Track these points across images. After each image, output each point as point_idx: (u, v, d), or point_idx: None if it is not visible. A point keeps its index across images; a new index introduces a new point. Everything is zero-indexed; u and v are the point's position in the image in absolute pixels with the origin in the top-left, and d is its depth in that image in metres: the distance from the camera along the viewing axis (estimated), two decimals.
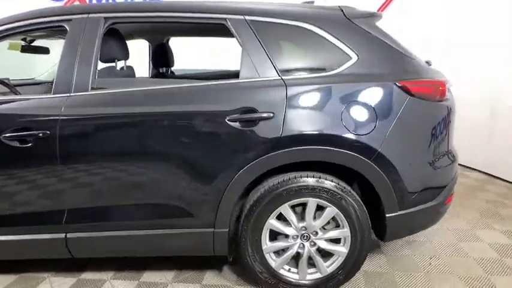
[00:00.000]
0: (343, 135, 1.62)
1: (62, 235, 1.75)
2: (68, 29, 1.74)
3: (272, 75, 1.69)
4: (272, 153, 1.63)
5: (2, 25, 1.73)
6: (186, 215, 1.72)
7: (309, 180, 1.68)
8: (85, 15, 1.74)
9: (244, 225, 1.74)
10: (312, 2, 2.20)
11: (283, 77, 1.68)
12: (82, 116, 1.65)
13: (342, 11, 1.82)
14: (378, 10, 4.28)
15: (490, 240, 2.39)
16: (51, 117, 1.62)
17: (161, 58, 2.69)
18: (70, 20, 1.74)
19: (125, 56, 2.06)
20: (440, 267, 2.10)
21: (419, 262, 2.15)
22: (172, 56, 2.79)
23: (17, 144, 1.63)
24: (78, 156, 1.66)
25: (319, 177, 1.70)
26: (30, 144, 1.62)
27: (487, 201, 3.02)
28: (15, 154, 1.64)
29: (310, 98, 1.66)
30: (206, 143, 1.65)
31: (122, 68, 2.20)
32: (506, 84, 3.42)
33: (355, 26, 1.78)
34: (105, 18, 1.74)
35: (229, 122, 1.62)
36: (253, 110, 1.63)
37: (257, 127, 1.62)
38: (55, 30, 2.08)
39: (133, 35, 2.85)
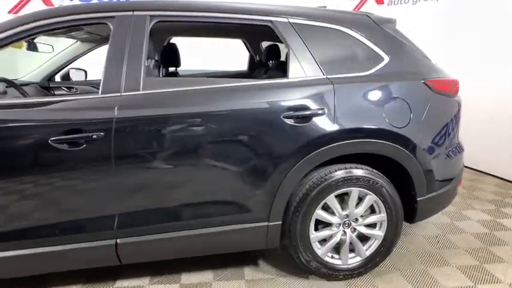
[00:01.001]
0: (387, 128, 1.79)
1: (113, 241, 1.67)
2: (111, 27, 1.67)
3: (318, 74, 1.80)
4: (325, 148, 1.74)
5: (39, 20, 1.60)
6: (243, 211, 1.75)
7: (357, 171, 1.82)
8: (129, 13, 1.69)
9: (293, 218, 1.82)
10: (325, 7, 2.36)
11: (328, 76, 1.81)
12: (139, 116, 1.59)
13: (369, 16, 2.01)
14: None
15: (476, 218, 2.76)
16: (105, 118, 1.55)
17: (170, 58, 2.63)
18: (113, 17, 1.68)
19: (154, 55, 2.02)
20: (446, 243, 2.38)
21: (429, 241, 2.42)
22: (180, 56, 2.75)
23: (65, 147, 1.53)
24: (134, 157, 1.60)
25: (362, 168, 1.85)
26: (82, 147, 1.53)
27: (462, 186, 3.46)
28: (65, 158, 1.54)
29: (355, 95, 1.81)
30: (263, 140, 1.71)
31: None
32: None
33: (382, 30, 1.97)
34: (151, 16, 1.71)
35: (284, 119, 1.70)
36: (306, 107, 1.73)
37: (310, 123, 1.72)
38: (93, 27, 1.96)
39: None
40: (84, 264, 1.74)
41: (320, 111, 1.73)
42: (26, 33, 1.61)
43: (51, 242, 1.62)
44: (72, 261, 1.69)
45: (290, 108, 1.71)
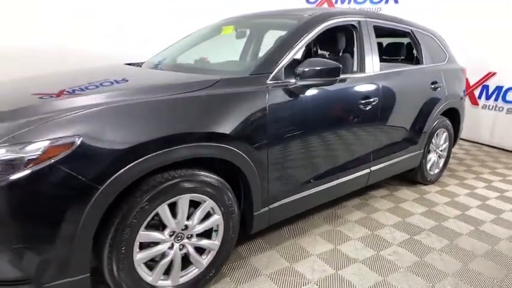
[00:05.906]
0: (459, 93, 3.32)
1: (368, 170, 2.57)
2: (357, 27, 2.48)
3: (431, 63, 3.13)
4: (444, 104, 3.11)
5: (331, 20, 2.27)
6: (413, 144, 2.95)
7: (446, 119, 3.29)
8: (364, 19, 2.54)
9: (425, 147, 3.13)
10: None
11: (435, 64, 3.16)
12: (389, 85, 2.53)
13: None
14: None
15: None
16: (377, 88, 2.43)
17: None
18: (359, 21, 2.49)
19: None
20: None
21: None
22: None
23: (362, 107, 2.34)
24: (387, 114, 2.55)
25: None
26: (369, 107, 2.37)
27: None
28: (361, 115, 2.35)
29: (448, 75, 3.23)
30: (424, 100, 2.94)
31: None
32: None
33: (440, 37, 3.45)
34: (371, 22, 2.60)
35: (430, 89, 2.97)
36: (436, 82, 3.04)
37: (437, 91, 3.05)
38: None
39: None
40: (345, 190, 2.56)
41: (441, 85, 3.07)
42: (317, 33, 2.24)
43: (342, 175, 2.40)
44: (345, 188, 2.51)
45: (431, 82, 2.99)
